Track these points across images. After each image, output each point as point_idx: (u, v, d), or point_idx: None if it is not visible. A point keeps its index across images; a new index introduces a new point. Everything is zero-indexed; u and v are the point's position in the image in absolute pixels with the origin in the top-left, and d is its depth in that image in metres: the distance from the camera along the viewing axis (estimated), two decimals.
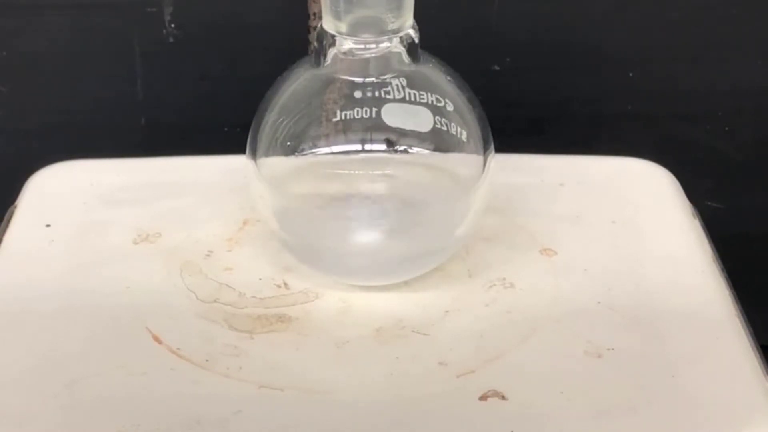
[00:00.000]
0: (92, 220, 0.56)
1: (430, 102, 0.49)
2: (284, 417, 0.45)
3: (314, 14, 0.69)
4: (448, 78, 0.51)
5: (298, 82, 0.50)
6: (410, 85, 0.49)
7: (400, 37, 0.49)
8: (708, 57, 0.74)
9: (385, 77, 0.49)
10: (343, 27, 0.49)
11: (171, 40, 0.72)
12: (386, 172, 0.50)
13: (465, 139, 0.50)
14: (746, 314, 0.51)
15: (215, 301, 0.51)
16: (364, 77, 0.49)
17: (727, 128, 0.76)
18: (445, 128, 0.49)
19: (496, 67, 0.73)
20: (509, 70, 0.73)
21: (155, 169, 0.61)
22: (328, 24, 0.49)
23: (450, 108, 0.50)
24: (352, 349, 0.48)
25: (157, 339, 0.49)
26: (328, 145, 0.49)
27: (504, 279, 0.52)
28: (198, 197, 0.58)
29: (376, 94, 0.49)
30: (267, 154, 0.50)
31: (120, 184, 0.59)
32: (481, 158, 0.51)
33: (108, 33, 0.72)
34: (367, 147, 0.49)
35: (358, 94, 0.49)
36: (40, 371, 0.47)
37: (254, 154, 0.51)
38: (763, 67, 0.74)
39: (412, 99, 0.49)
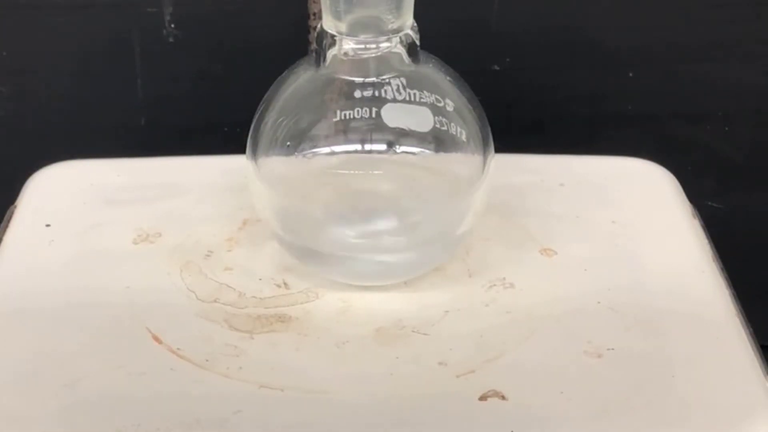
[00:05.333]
0: (92, 220, 0.56)
1: (430, 102, 0.49)
2: (284, 417, 0.45)
3: (314, 14, 0.69)
4: (448, 78, 0.51)
5: (298, 82, 0.50)
6: (410, 85, 0.49)
7: (400, 38, 0.49)
8: (708, 57, 0.74)
9: (385, 77, 0.49)
10: (343, 27, 0.49)
11: (171, 40, 0.72)
12: (386, 172, 0.50)
13: (465, 139, 0.50)
14: (746, 314, 0.51)
15: (215, 301, 0.51)
16: (364, 77, 0.49)
17: (727, 128, 0.76)
18: (445, 128, 0.49)
19: (496, 67, 0.73)
20: (509, 70, 0.73)
21: (155, 169, 0.61)
22: (328, 24, 0.49)
23: (450, 108, 0.50)
24: (352, 349, 0.48)
25: (157, 339, 0.49)
26: (328, 145, 0.49)
27: (504, 279, 0.52)
28: (198, 197, 0.58)
29: (376, 94, 0.49)
30: (267, 154, 0.50)
31: (120, 184, 0.59)
32: (481, 158, 0.51)
33: (108, 33, 0.72)
34: (367, 147, 0.49)
35: (358, 94, 0.49)
36: (40, 371, 0.47)
37: (254, 154, 0.51)
38: (763, 67, 0.74)
39: (412, 99, 0.49)
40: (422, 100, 0.49)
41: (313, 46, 0.50)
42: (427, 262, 0.52)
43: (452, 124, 0.50)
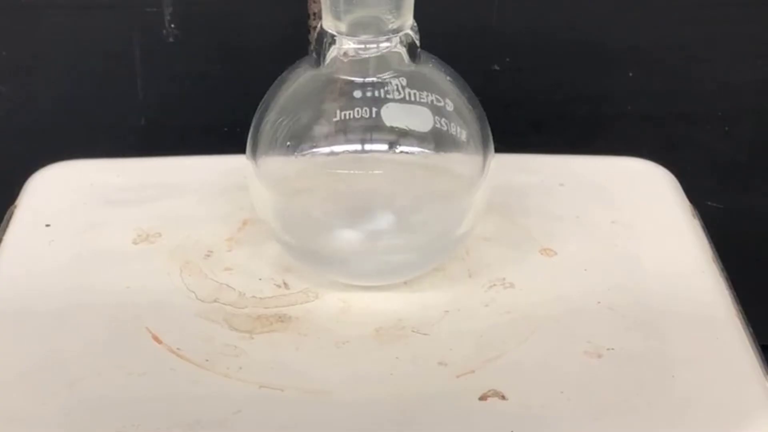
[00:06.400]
0: (92, 220, 0.56)
1: (430, 102, 0.49)
2: (284, 417, 0.45)
3: (314, 14, 0.69)
4: (448, 78, 0.51)
5: (298, 82, 0.50)
6: (410, 85, 0.49)
7: (400, 37, 0.49)
8: (708, 57, 0.74)
9: (385, 77, 0.49)
10: (343, 27, 0.49)
11: (171, 40, 0.72)
12: (386, 172, 0.50)
13: (465, 139, 0.50)
14: (746, 314, 0.51)
15: (215, 301, 0.51)
16: (364, 77, 0.49)
17: (727, 128, 0.76)
18: (445, 128, 0.49)
19: (496, 67, 0.73)
20: (509, 70, 0.73)
21: (155, 169, 0.61)
22: (328, 24, 0.49)
23: (450, 108, 0.50)
24: (352, 349, 0.48)
25: (157, 339, 0.49)
26: (328, 145, 0.49)
27: (504, 279, 0.52)
28: (198, 197, 0.58)
29: (376, 94, 0.49)
30: (267, 154, 0.50)
31: (120, 184, 0.59)
32: (481, 158, 0.51)
33: (108, 33, 0.72)
34: (367, 147, 0.49)
35: (358, 94, 0.49)
36: (41, 371, 0.47)
37: (254, 154, 0.51)
38: (763, 67, 0.74)
39: (412, 99, 0.49)
40: (422, 99, 0.49)
41: (313, 46, 0.50)
42: (427, 262, 0.52)
43: (452, 124, 0.50)
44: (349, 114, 0.49)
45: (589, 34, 0.73)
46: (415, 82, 0.49)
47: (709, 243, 0.55)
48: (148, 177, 0.60)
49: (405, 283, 0.52)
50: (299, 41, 0.70)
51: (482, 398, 0.46)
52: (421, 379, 0.47)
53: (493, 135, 0.51)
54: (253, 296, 0.51)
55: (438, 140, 0.49)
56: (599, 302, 0.51)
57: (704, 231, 0.56)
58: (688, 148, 0.76)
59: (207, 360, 0.48)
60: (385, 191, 0.51)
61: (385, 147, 0.49)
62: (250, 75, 0.64)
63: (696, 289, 0.52)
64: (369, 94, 0.49)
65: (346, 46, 0.49)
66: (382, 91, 0.49)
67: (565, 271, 0.53)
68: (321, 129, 0.49)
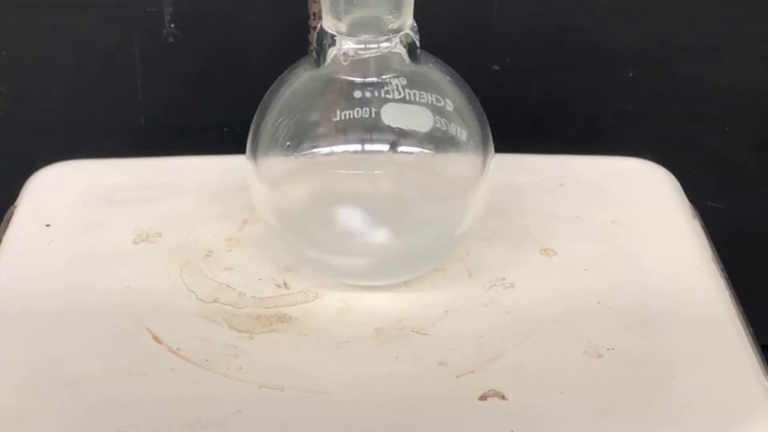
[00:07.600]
0: (92, 220, 0.56)
1: (430, 102, 0.49)
2: (284, 417, 0.45)
3: (314, 14, 0.69)
4: (448, 78, 0.51)
5: (298, 82, 0.50)
6: (410, 85, 0.49)
7: (400, 38, 0.49)
8: (708, 57, 0.74)
9: (385, 77, 0.49)
10: (343, 27, 0.49)
11: (171, 40, 0.72)
12: (386, 172, 0.50)
13: (465, 139, 0.50)
14: (746, 314, 0.51)
15: (215, 301, 0.51)
16: (364, 77, 0.49)
17: (727, 128, 0.76)
18: (445, 128, 0.49)
19: (496, 67, 0.73)
20: (509, 70, 0.73)
21: (155, 169, 0.61)
22: (328, 24, 0.49)
23: (450, 108, 0.50)
24: (352, 349, 0.48)
25: (157, 339, 0.49)
26: (328, 145, 0.49)
27: (504, 279, 0.52)
28: (198, 197, 0.58)
29: (376, 94, 0.49)
30: (267, 154, 0.50)
31: (120, 184, 0.59)
32: (481, 158, 0.51)
33: (108, 33, 0.72)
34: (367, 147, 0.49)
35: (358, 94, 0.49)
36: (40, 371, 0.47)
37: (254, 154, 0.51)
38: (763, 67, 0.74)
39: (412, 99, 0.49)
40: (422, 100, 0.49)
41: (313, 46, 0.50)
42: (427, 262, 0.52)
43: (452, 124, 0.50)
44: (349, 114, 0.49)
45: (589, 34, 0.73)
46: (415, 82, 0.49)
47: (709, 243, 0.55)
48: (148, 177, 0.60)
49: (405, 283, 0.52)
50: (299, 41, 0.70)
51: (482, 398, 0.46)
52: (421, 379, 0.47)
53: (493, 135, 0.51)
54: (253, 296, 0.51)
55: (438, 140, 0.49)
56: (599, 302, 0.51)
57: (704, 231, 0.56)
58: (688, 148, 0.76)
59: (207, 360, 0.48)
60: (385, 191, 0.51)
61: (385, 147, 0.49)
62: (250, 75, 0.64)
63: (696, 289, 0.52)
64: (369, 94, 0.49)
65: (346, 46, 0.49)
66: (382, 91, 0.49)
67: (565, 271, 0.53)
68: (321, 129, 0.49)
